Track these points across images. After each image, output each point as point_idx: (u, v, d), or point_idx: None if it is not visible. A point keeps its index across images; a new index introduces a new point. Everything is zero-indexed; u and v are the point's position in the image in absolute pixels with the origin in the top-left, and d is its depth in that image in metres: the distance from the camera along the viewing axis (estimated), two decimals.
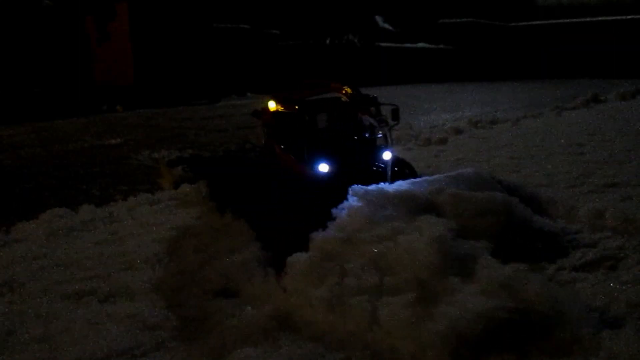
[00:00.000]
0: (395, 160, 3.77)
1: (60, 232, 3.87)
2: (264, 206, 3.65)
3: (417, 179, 3.45)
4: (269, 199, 3.73)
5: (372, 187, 3.14)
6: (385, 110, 3.95)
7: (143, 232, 3.81)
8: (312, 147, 3.66)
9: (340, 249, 2.70)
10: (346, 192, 3.10)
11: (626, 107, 11.47)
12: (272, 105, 4.21)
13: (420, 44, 26.53)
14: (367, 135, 3.75)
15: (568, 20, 26.84)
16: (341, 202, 3.05)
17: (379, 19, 26.93)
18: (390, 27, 27.20)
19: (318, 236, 2.81)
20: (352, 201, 3.01)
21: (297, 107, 3.85)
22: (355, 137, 3.79)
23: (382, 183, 3.28)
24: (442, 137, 7.83)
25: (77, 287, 2.92)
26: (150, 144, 8.64)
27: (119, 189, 5.56)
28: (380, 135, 3.71)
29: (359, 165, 3.69)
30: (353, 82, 4.09)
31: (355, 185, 3.13)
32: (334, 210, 2.99)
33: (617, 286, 2.71)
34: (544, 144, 7.19)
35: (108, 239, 3.73)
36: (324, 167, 3.53)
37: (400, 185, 3.24)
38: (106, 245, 3.60)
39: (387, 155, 3.61)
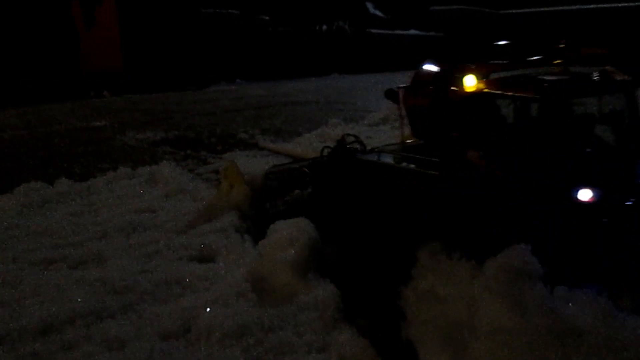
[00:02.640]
0: None
1: (35, 204, 3.78)
2: None
3: None
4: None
5: None
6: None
7: (120, 203, 3.73)
8: (570, 156, 2.27)
9: None
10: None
11: None
12: (470, 82, 2.67)
13: (412, 31, 26.39)
14: None
15: (559, 8, 26.78)
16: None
17: (369, 5, 26.73)
18: (381, 14, 27.01)
19: None
20: None
21: (545, 86, 2.35)
22: None
23: None
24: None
25: (47, 255, 2.85)
26: (136, 126, 8.51)
27: (100, 167, 5.45)
28: None
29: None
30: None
31: None
32: None
33: None
34: None
35: (84, 210, 3.64)
36: (586, 194, 2.19)
37: None
38: (81, 216, 3.52)
39: None
